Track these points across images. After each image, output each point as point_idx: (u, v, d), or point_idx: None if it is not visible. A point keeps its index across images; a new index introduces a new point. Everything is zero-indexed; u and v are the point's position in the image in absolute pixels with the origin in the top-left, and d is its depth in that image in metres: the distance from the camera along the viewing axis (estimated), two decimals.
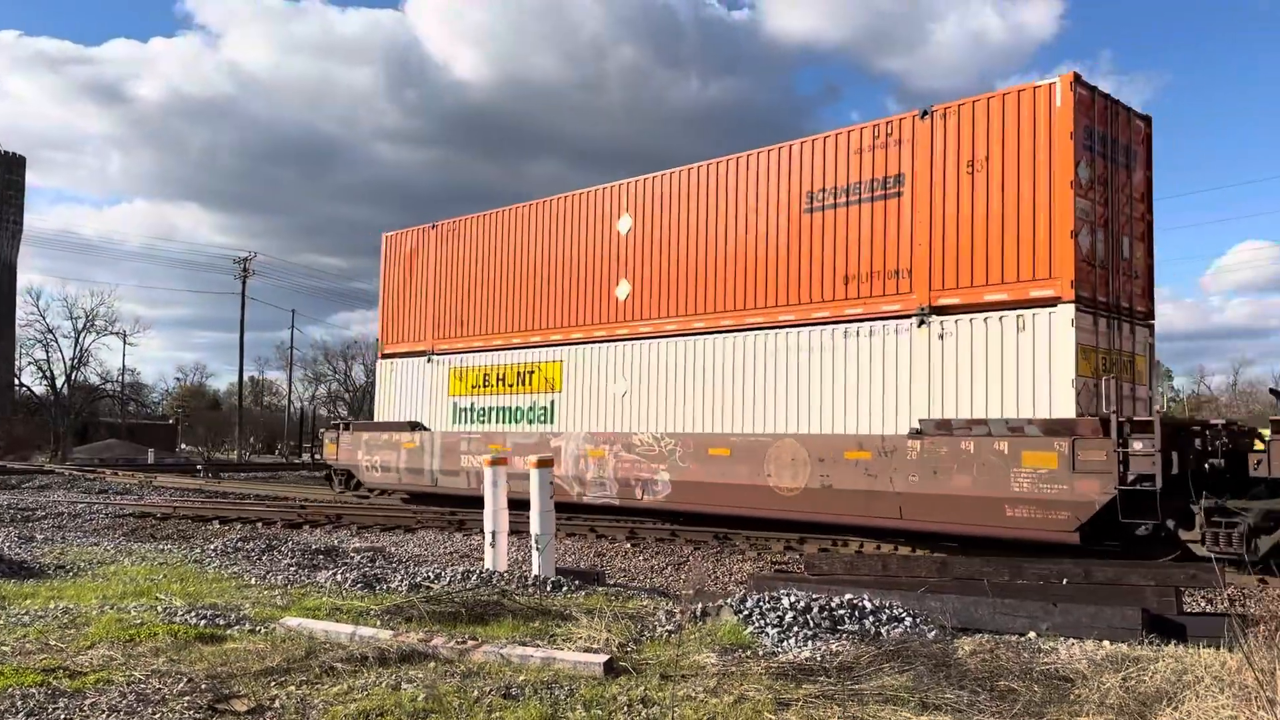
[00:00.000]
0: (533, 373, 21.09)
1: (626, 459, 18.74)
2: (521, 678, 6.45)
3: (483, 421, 22.08)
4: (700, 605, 8.77)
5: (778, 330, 16.82)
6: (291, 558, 12.55)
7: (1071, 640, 8.11)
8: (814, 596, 8.56)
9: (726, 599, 8.90)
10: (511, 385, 21.54)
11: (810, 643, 7.57)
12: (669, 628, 8.20)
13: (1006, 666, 6.94)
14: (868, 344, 15.66)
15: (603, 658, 6.81)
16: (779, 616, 8.16)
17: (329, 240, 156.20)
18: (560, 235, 20.72)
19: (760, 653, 7.27)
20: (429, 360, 23.53)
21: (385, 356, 24.85)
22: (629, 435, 18.76)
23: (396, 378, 24.45)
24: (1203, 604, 10.68)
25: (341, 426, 25.74)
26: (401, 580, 10.62)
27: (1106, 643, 7.99)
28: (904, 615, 8.34)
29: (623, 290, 19.41)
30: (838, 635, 7.82)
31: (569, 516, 19.71)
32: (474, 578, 10.66)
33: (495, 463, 12.26)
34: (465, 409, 22.56)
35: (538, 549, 11.30)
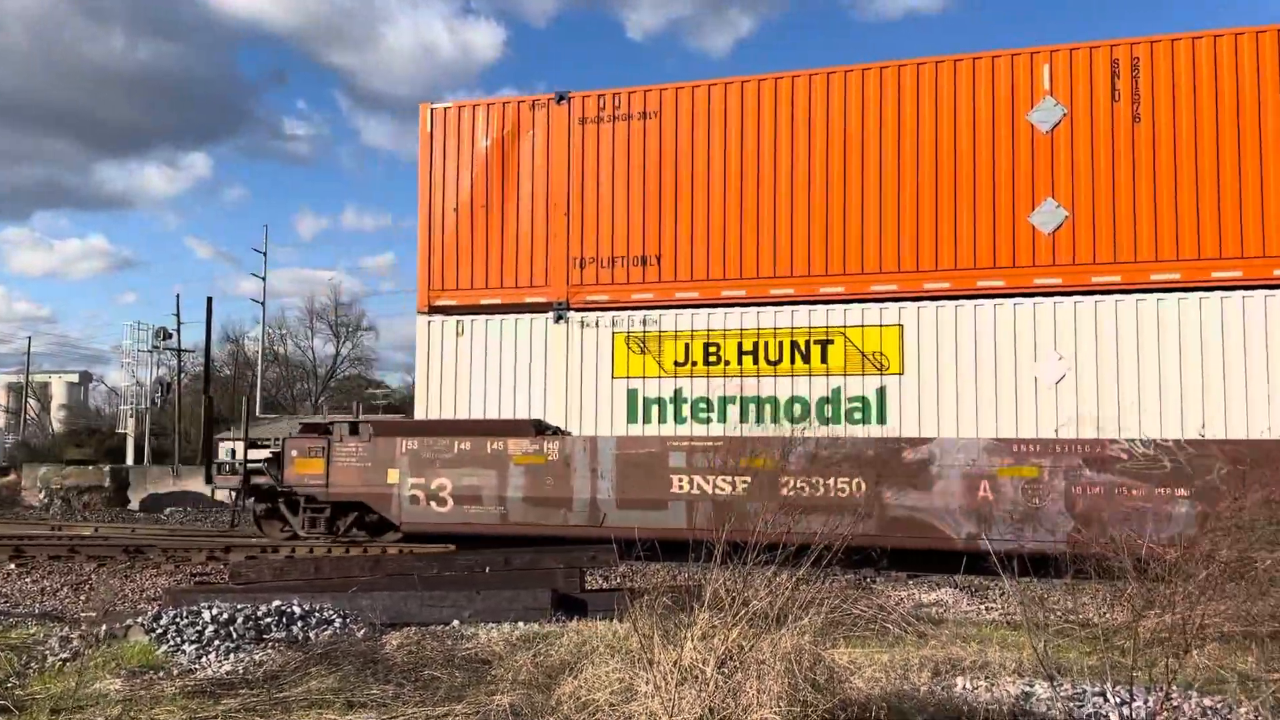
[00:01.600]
0: (829, 342, 13.09)
1: (1094, 481, 11.84)
2: None
3: (706, 419, 13.45)
4: (105, 627, 8.12)
5: None
6: None
7: (491, 625, 8.62)
8: (239, 607, 8.24)
9: (138, 618, 8.27)
10: (775, 362, 13.28)
11: (233, 655, 7.26)
12: (64, 656, 7.37)
13: (431, 656, 7.21)
14: None
15: None
16: (198, 632, 7.76)
17: None
18: (890, 124, 13.03)
19: (175, 672, 6.84)
20: (560, 319, 14.11)
21: (438, 311, 14.69)
22: (1099, 444, 11.88)
23: (473, 348, 14.49)
24: (600, 581, 11.37)
25: (344, 429, 14.89)
26: None
27: (522, 624, 8.62)
28: (334, 617, 8.34)
29: (1048, 216, 12.41)
30: (264, 645, 7.62)
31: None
32: None
33: None
34: (661, 400, 13.68)
35: None
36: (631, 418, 13.77)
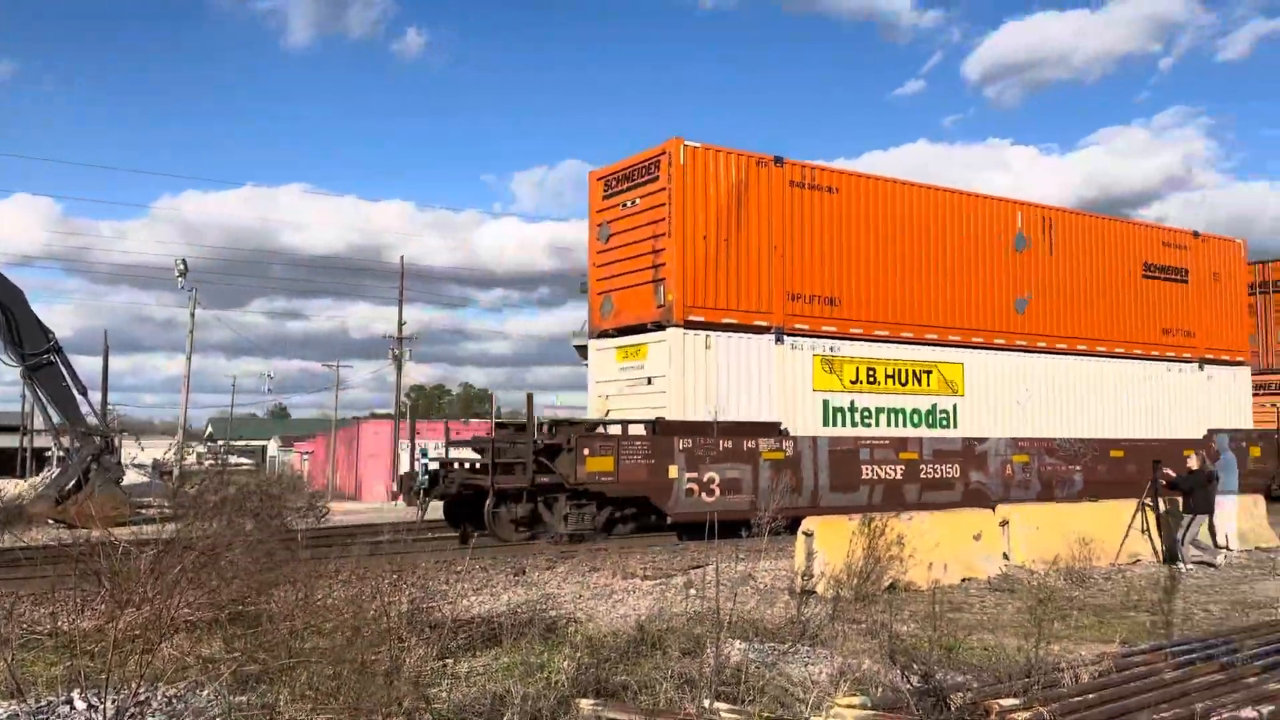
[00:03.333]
0: (930, 372, 19.17)
1: (1048, 462, 20.41)
2: None
3: (869, 424, 18.25)
4: None
5: (1148, 361, 22.35)
6: None
7: None
8: None
9: None
10: (905, 384, 18.81)
11: None
12: None
13: None
14: (1175, 377, 23.18)
15: None
16: None
17: None
18: (955, 232, 19.73)
19: None
20: (778, 340, 17.29)
21: (690, 325, 16.34)
22: (1049, 440, 20.45)
23: (718, 359, 16.58)
24: None
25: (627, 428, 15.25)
26: None
27: None
28: None
29: (1021, 303, 20.59)
30: None
31: None
32: None
33: None
34: (843, 409, 17.96)
35: None
36: (825, 422, 17.79)
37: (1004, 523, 14.09)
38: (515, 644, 7.78)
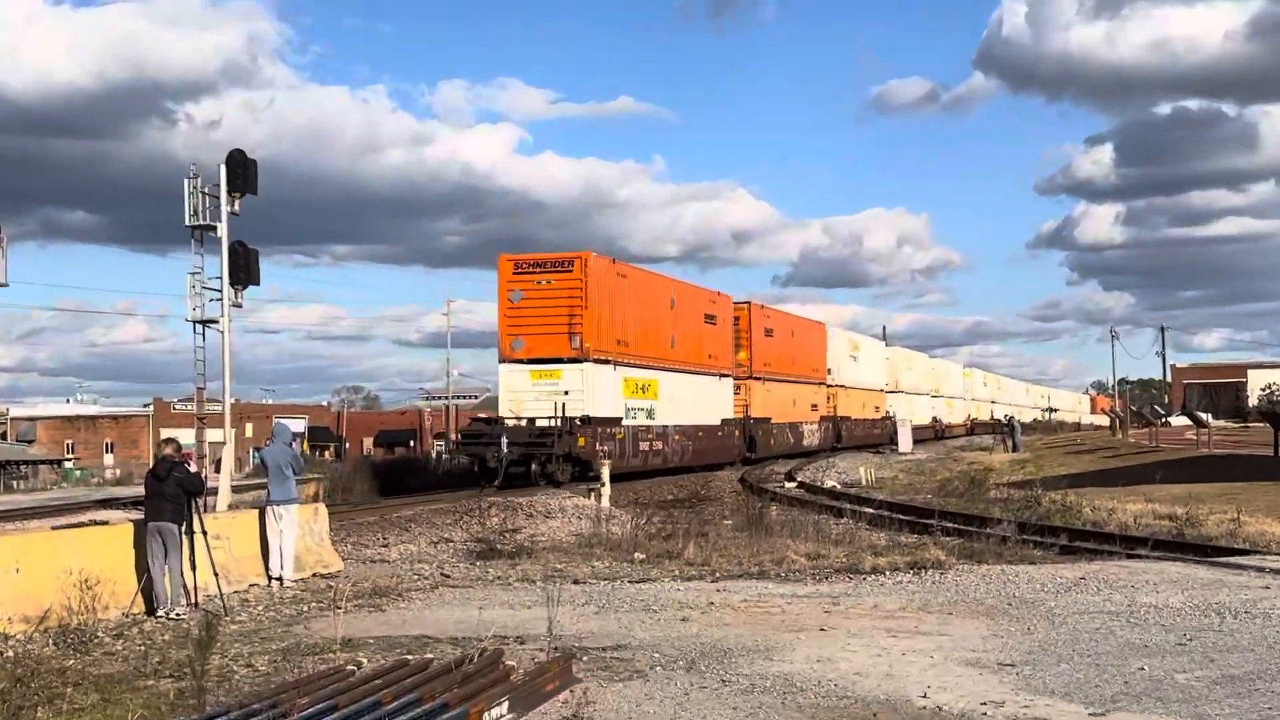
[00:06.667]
0: (649, 385, 32.37)
1: (685, 440, 35.07)
2: None
3: (635, 417, 30.88)
4: None
5: (705, 375, 38.04)
6: None
7: None
8: None
9: None
10: (645, 391, 31.77)
11: None
12: None
13: None
14: (715, 385, 39.54)
15: None
16: None
17: None
18: (653, 303, 33.15)
19: None
20: (615, 368, 29.10)
21: (594, 360, 27.39)
22: (681, 424, 35.09)
23: (598, 378, 27.88)
24: None
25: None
26: None
27: None
28: None
29: (672, 342, 34.76)
30: None
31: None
32: None
33: None
34: (632, 409, 30.35)
35: None
36: (628, 418, 30.00)
37: None
38: None
